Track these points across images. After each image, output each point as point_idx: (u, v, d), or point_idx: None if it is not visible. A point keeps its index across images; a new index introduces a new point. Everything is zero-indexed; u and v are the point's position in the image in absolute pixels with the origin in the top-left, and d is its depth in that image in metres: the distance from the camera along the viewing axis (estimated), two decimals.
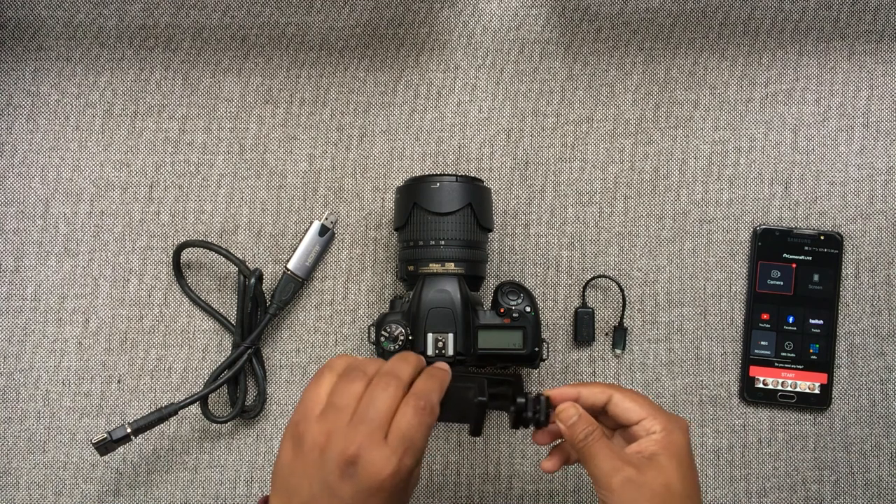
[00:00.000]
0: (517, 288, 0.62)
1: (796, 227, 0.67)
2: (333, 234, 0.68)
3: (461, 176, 0.61)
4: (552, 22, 0.70)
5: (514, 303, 0.61)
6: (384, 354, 0.60)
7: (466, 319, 0.59)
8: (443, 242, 0.60)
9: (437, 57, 0.70)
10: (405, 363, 0.47)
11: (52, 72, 0.70)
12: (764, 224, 0.68)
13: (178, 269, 0.67)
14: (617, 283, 0.67)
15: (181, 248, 0.66)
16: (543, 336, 0.63)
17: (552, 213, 0.69)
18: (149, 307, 0.68)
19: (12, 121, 0.70)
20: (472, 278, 0.62)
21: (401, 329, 0.59)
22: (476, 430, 0.49)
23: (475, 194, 0.61)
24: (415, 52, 0.70)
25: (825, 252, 0.67)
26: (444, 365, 0.49)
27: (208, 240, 0.68)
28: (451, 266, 0.60)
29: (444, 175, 0.61)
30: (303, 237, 0.67)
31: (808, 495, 0.66)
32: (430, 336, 0.59)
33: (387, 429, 0.44)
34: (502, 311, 0.61)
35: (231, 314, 0.68)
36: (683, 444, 0.49)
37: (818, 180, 0.68)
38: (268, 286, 0.67)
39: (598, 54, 0.70)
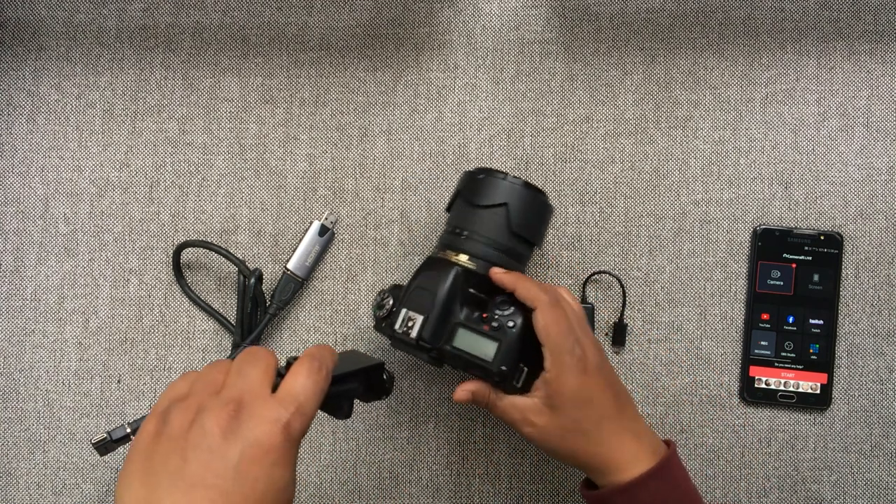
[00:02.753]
0: (513, 301, 0.56)
1: (796, 227, 0.67)
2: (333, 234, 0.68)
3: (513, 177, 0.58)
4: (552, 22, 0.70)
5: (500, 312, 0.55)
6: (374, 321, 0.59)
7: (447, 310, 0.55)
8: (465, 233, 0.58)
9: (437, 57, 0.70)
10: (253, 356, 0.42)
11: (52, 72, 0.70)
12: (764, 224, 0.68)
13: (178, 269, 0.67)
14: (617, 278, 0.67)
15: (181, 248, 0.66)
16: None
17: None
18: (149, 307, 0.68)
19: (12, 121, 0.70)
20: (485, 279, 0.57)
21: (389, 299, 0.58)
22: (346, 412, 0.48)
23: (514, 196, 0.57)
24: (415, 52, 0.70)
25: (825, 252, 0.67)
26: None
27: (208, 240, 0.68)
28: (462, 258, 0.57)
29: (496, 171, 0.58)
30: (303, 237, 0.67)
31: (808, 495, 0.66)
32: (403, 311, 0.56)
33: (269, 388, 0.40)
34: (485, 315, 0.56)
35: (231, 314, 0.68)
36: (575, 374, 0.52)
37: (818, 180, 0.68)
38: (268, 286, 0.67)
39: (598, 54, 0.70)
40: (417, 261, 0.68)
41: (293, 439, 0.39)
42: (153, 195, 0.69)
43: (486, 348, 0.55)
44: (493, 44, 0.70)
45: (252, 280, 0.65)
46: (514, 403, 0.54)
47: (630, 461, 0.51)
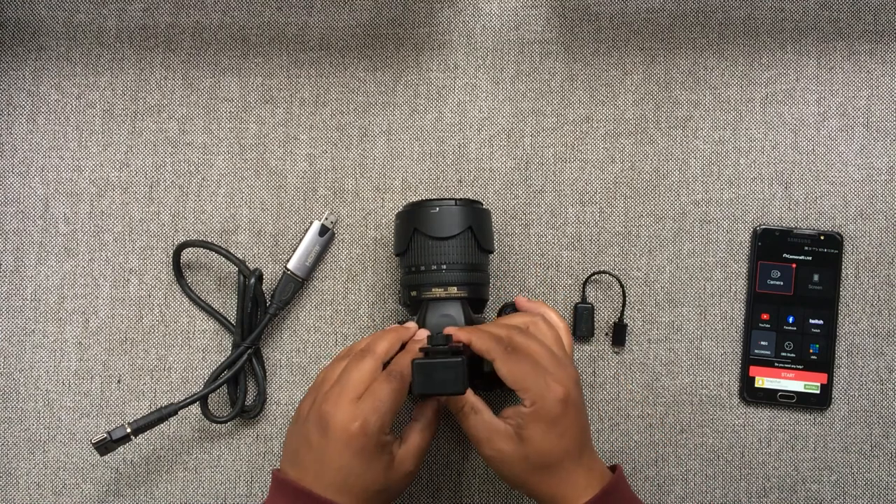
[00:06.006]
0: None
1: (796, 227, 0.67)
2: (333, 234, 0.68)
3: (460, 199, 0.61)
4: (552, 22, 0.70)
5: None
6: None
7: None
8: (444, 267, 0.59)
9: (437, 57, 0.70)
10: (381, 340, 0.56)
11: (52, 72, 0.70)
12: (764, 224, 0.68)
13: (178, 269, 0.67)
14: (617, 278, 0.67)
15: (181, 248, 0.66)
16: None
17: (552, 213, 0.69)
18: (149, 307, 0.68)
19: (12, 121, 0.70)
20: (475, 301, 0.61)
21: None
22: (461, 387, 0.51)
23: (475, 217, 0.61)
24: (415, 52, 0.70)
25: (825, 252, 0.67)
26: (415, 331, 0.57)
27: (208, 240, 0.68)
28: (453, 290, 0.59)
29: (444, 199, 0.61)
30: (303, 237, 0.67)
31: (808, 495, 0.66)
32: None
33: (359, 394, 0.52)
34: None
35: (231, 314, 0.68)
36: (552, 410, 0.52)
37: (818, 180, 0.68)
38: (268, 286, 0.67)
39: (598, 54, 0.70)
40: None
41: (370, 430, 0.51)
42: (153, 195, 0.69)
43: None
44: (493, 44, 0.70)
45: (252, 280, 0.65)
46: (486, 421, 0.54)
47: (580, 494, 0.52)
